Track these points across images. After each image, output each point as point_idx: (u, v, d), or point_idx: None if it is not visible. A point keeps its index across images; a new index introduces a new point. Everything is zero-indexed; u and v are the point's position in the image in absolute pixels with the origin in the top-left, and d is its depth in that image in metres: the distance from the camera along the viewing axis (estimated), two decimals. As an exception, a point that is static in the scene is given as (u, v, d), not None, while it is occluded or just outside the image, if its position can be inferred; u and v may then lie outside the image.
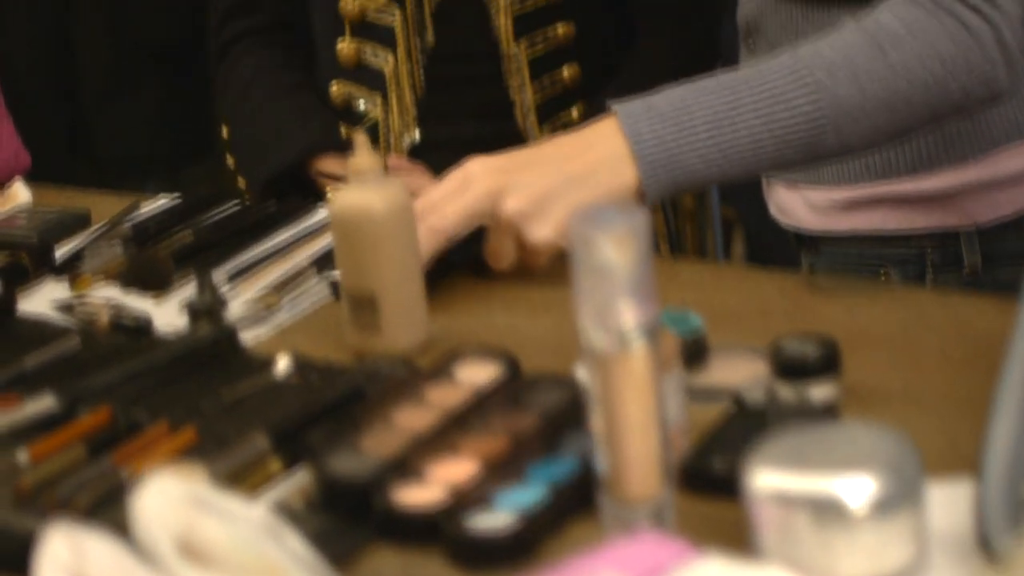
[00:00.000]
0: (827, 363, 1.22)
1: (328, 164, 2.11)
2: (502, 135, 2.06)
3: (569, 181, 1.42)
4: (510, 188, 1.43)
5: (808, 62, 1.41)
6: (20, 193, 1.91)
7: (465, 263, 1.52)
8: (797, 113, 1.40)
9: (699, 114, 1.40)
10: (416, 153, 2.10)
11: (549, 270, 1.54)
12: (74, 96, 2.80)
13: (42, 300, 1.62)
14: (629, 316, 1.07)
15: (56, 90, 2.80)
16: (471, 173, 1.45)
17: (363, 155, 1.40)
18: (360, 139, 1.40)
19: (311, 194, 2.10)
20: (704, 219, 2.34)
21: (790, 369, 1.23)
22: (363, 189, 1.40)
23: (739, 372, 1.30)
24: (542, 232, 1.43)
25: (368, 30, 2.12)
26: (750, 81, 1.42)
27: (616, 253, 1.06)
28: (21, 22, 2.77)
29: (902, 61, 1.41)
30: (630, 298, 1.07)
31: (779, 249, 1.88)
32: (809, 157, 1.44)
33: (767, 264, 2.49)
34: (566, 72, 2.11)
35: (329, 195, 2.06)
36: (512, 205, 1.43)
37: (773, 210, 1.76)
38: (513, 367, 1.31)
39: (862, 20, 1.43)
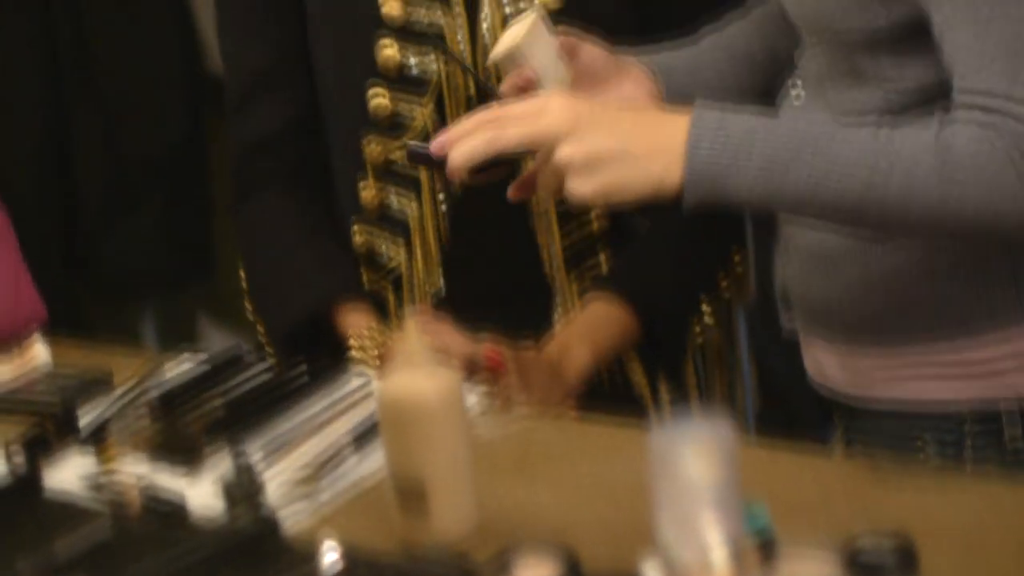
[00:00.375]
0: (905, 566, 1.18)
1: (350, 315, 2.06)
2: (530, 284, 2.02)
3: (626, 155, 1.45)
4: (575, 136, 1.45)
5: (881, 145, 1.42)
6: (38, 352, 1.85)
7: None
8: (847, 189, 1.42)
9: (759, 150, 1.43)
10: (441, 304, 2.05)
11: (592, 447, 1.49)
12: (72, 214, 2.76)
13: (68, 471, 1.56)
14: (713, 530, 1.02)
15: (54, 207, 2.76)
16: (551, 106, 1.48)
17: (413, 339, 1.35)
18: (410, 323, 1.35)
19: (332, 343, 2.04)
20: (735, 363, 2.28)
21: (867, 573, 1.18)
22: (413, 375, 1.35)
23: (810, 573, 1.24)
24: (580, 189, 1.46)
25: (392, 175, 2.07)
26: (819, 139, 1.43)
27: (700, 468, 1.01)
28: (20, 139, 2.74)
29: (959, 195, 1.40)
30: (714, 512, 1.02)
31: (802, 402, 1.84)
32: (846, 226, 1.49)
33: (784, 412, 2.45)
34: (594, 217, 2.06)
35: (354, 346, 2.00)
36: (566, 153, 1.45)
37: (810, 369, 1.72)
38: (574, 566, 1.25)
39: (944, 130, 1.41)
